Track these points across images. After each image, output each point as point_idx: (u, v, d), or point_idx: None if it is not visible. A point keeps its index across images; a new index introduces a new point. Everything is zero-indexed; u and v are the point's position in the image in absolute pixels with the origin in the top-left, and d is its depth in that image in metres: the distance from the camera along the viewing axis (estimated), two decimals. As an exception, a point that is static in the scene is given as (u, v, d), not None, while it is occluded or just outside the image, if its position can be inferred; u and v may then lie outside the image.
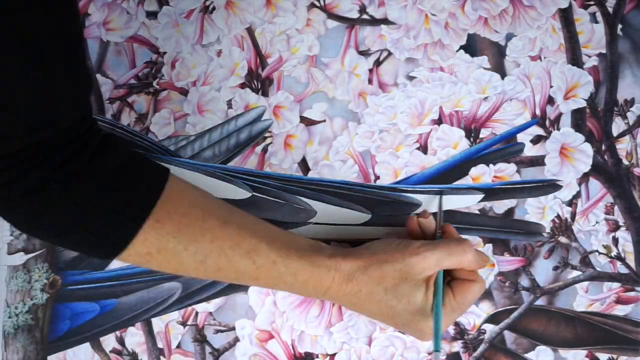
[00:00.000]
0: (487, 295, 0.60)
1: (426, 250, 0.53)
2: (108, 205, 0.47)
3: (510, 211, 0.61)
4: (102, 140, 0.47)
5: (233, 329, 0.60)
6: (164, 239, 0.48)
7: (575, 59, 0.64)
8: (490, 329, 0.60)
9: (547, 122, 0.63)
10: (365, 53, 0.64)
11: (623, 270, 0.61)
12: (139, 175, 0.49)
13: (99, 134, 0.47)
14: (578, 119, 0.63)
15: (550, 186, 0.62)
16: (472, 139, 0.63)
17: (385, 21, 0.64)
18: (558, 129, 0.63)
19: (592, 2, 0.64)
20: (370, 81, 0.64)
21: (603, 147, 0.63)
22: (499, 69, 0.63)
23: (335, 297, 0.53)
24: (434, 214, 0.58)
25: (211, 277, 0.55)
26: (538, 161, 0.62)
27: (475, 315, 0.60)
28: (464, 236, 0.60)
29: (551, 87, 0.63)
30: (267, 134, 0.63)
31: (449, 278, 0.55)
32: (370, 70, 0.64)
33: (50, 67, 0.43)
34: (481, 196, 0.61)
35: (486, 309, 0.60)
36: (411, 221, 0.57)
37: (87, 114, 0.47)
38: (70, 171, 0.45)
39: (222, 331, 0.60)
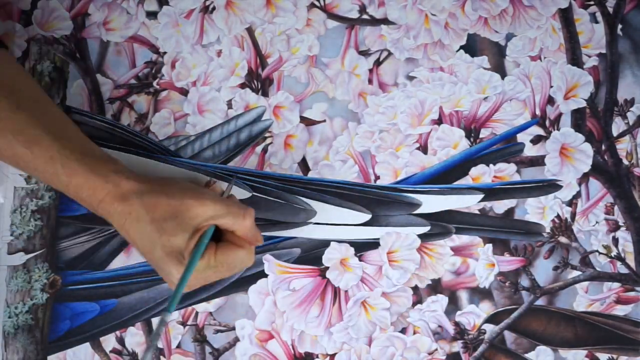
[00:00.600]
0: (487, 295, 0.61)
1: (208, 199, 0.51)
2: None
3: (510, 211, 0.62)
4: None
5: (233, 329, 0.60)
6: None
7: (575, 59, 0.64)
8: (490, 329, 0.60)
9: (547, 122, 0.63)
10: (365, 53, 0.64)
11: (623, 270, 0.61)
12: None
13: None
14: (578, 119, 0.63)
15: (550, 186, 0.62)
16: (472, 139, 0.63)
17: (385, 21, 0.64)
18: (558, 129, 0.63)
19: (592, 2, 0.64)
20: (370, 81, 0.64)
21: (603, 147, 0.63)
22: (499, 69, 0.64)
23: (106, 213, 0.52)
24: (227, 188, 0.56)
25: None
26: (538, 161, 0.62)
27: (475, 315, 0.60)
28: (465, 236, 0.61)
29: (551, 87, 0.63)
30: (267, 134, 0.63)
31: (219, 240, 0.53)
32: (370, 70, 0.64)
33: None
34: (481, 196, 0.61)
35: (486, 309, 0.60)
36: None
37: None
38: None
39: (222, 331, 0.60)
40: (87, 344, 0.60)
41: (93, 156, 0.52)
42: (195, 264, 0.50)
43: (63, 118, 0.54)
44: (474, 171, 0.62)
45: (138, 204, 0.50)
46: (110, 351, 0.60)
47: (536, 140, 0.63)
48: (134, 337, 0.60)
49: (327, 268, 0.60)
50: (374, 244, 0.61)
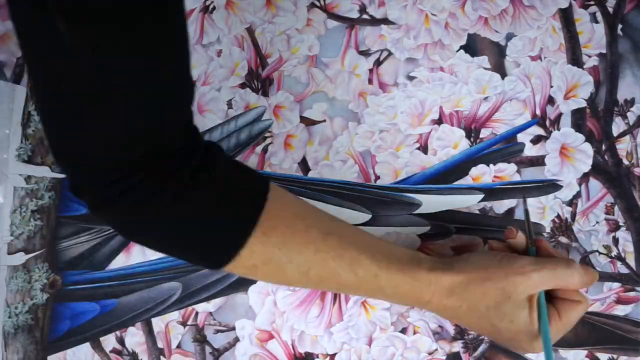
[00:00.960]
0: (487, 295, 0.60)
1: (532, 271, 0.51)
2: (214, 219, 0.46)
3: (510, 211, 0.61)
4: (206, 150, 0.46)
5: (233, 329, 0.60)
6: (270, 251, 0.48)
7: (575, 59, 0.64)
8: (490, 329, 0.60)
9: (547, 122, 0.63)
10: (365, 53, 0.64)
11: (623, 270, 0.61)
12: (243, 187, 0.48)
13: (202, 143, 0.46)
14: (578, 119, 0.63)
15: (550, 186, 0.62)
16: (472, 139, 0.63)
17: (386, 21, 0.64)
18: (558, 129, 0.63)
19: (592, 2, 0.64)
20: (370, 81, 0.64)
21: (603, 147, 0.63)
22: (499, 69, 0.63)
23: (435, 310, 0.53)
24: (522, 228, 0.55)
25: (313, 287, 0.55)
26: (538, 161, 0.62)
27: (475, 315, 0.60)
28: (465, 236, 0.60)
29: (551, 87, 0.63)
30: (267, 134, 0.63)
31: (551, 296, 0.53)
32: (371, 70, 0.64)
33: (165, 75, 0.42)
34: (481, 196, 0.61)
35: (486, 309, 0.60)
36: (497, 247, 0.55)
37: (191, 122, 0.46)
38: (178, 184, 0.44)
39: (222, 331, 0.60)
40: (87, 344, 0.60)
41: (405, 262, 0.51)
42: (548, 334, 0.51)
43: (359, 230, 0.53)
44: (474, 171, 0.62)
45: (467, 296, 0.51)
46: (110, 351, 0.60)
47: (536, 140, 0.63)
48: (134, 337, 0.60)
49: (327, 268, 0.60)
50: (374, 244, 0.61)
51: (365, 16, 0.64)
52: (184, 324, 0.60)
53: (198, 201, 0.45)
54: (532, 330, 0.51)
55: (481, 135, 0.63)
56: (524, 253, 0.54)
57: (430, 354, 0.59)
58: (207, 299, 0.60)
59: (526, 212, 0.56)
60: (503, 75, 0.63)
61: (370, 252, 0.51)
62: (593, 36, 0.64)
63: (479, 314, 0.51)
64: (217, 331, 0.60)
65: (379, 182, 0.62)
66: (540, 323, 0.51)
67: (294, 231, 0.49)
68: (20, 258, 0.60)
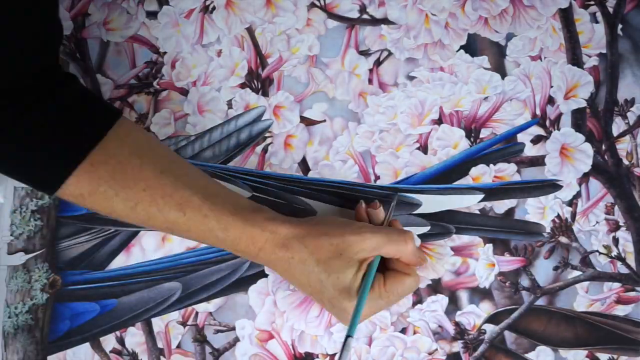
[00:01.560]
0: (488, 295, 0.61)
1: (367, 232, 0.53)
2: (49, 144, 0.49)
3: (510, 211, 0.62)
4: (64, 76, 0.50)
5: (233, 329, 0.60)
6: (95, 183, 0.50)
7: (575, 59, 0.64)
8: (490, 329, 0.60)
9: (548, 122, 0.63)
10: (365, 53, 0.64)
11: (623, 270, 0.61)
12: (85, 119, 0.51)
13: (61, 71, 0.50)
14: (578, 119, 0.63)
15: (550, 186, 0.62)
16: (472, 139, 0.63)
17: (386, 21, 0.64)
18: (558, 129, 0.63)
19: (592, 2, 0.64)
20: (370, 81, 0.64)
21: (603, 147, 0.63)
22: (499, 69, 0.64)
23: (266, 261, 0.53)
24: (385, 206, 0.57)
25: (142, 223, 0.54)
26: (538, 161, 0.62)
27: (475, 315, 0.60)
28: (465, 236, 0.61)
29: (551, 87, 0.63)
30: (267, 134, 0.63)
31: (385, 268, 0.55)
32: (371, 70, 0.64)
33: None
34: (481, 196, 0.61)
35: (486, 309, 0.60)
36: (360, 208, 0.57)
37: (54, 56, 0.50)
38: (28, 101, 0.48)
39: (222, 331, 0.60)
40: (87, 344, 0.60)
41: (244, 207, 0.52)
42: (366, 295, 0.52)
43: (201, 174, 0.54)
44: (474, 171, 0.62)
45: (301, 248, 0.52)
46: (110, 351, 0.60)
47: (536, 140, 0.63)
48: (134, 337, 0.60)
49: (327, 268, 0.61)
50: (374, 244, 0.61)
51: (365, 16, 0.65)
52: (184, 324, 0.60)
53: (38, 124, 0.49)
54: (353, 289, 0.52)
55: (481, 135, 0.63)
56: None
57: (430, 354, 0.60)
58: (207, 299, 0.60)
59: (394, 199, 0.58)
60: (503, 75, 0.63)
61: (204, 193, 0.51)
62: (593, 36, 0.64)
63: (309, 269, 0.52)
64: (217, 331, 0.60)
65: (379, 182, 0.62)
66: (362, 284, 0.52)
67: (126, 167, 0.51)
68: (20, 258, 0.60)
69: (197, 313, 0.60)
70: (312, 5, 0.64)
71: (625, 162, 0.62)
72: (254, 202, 0.55)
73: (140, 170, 0.51)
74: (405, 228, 0.60)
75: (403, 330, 0.60)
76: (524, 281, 0.61)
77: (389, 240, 0.53)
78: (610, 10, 0.64)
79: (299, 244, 0.52)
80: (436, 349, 0.60)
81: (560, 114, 0.63)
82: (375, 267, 0.53)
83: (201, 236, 0.53)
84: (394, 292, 0.54)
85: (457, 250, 0.61)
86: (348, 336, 0.51)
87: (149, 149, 0.53)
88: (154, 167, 0.51)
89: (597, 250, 0.61)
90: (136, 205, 0.51)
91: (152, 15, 0.64)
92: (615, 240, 0.61)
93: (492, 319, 0.60)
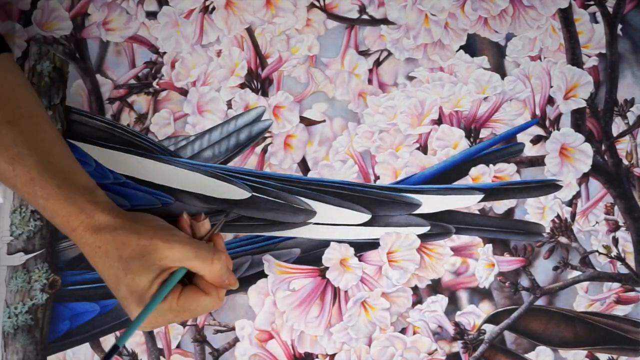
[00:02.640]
0: (487, 295, 0.61)
1: (177, 241, 0.51)
2: None
3: (510, 211, 0.62)
4: None
5: (233, 329, 0.60)
6: None
7: (575, 59, 0.64)
8: (490, 329, 0.60)
9: (547, 122, 0.63)
10: (365, 53, 0.64)
11: (623, 270, 0.61)
12: None
13: None
14: (578, 119, 0.63)
15: (550, 186, 0.62)
16: (472, 139, 0.63)
17: (385, 21, 0.64)
18: (558, 129, 0.63)
19: (592, 2, 0.64)
20: (370, 81, 0.64)
21: (603, 147, 0.63)
22: (499, 69, 0.64)
23: (77, 242, 0.52)
24: (212, 221, 0.56)
25: None
26: (538, 161, 0.62)
27: (475, 316, 0.60)
28: (465, 236, 0.60)
29: (551, 87, 0.63)
30: (266, 134, 0.63)
31: (189, 282, 0.54)
32: (370, 71, 0.64)
33: None
34: (481, 196, 0.61)
35: (486, 309, 0.61)
36: (181, 220, 0.56)
37: None
38: None
39: (221, 331, 0.60)
40: (87, 344, 0.60)
41: (73, 183, 0.52)
42: (155, 305, 0.51)
43: (54, 138, 0.53)
44: (474, 171, 0.62)
45: (108, 239, 0.51)
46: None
47: (536, 140, 0.63)
48: (134, 337, 0.60)
49: (327, 268, 0.60)
50: (373, 244, 0.61)
51: (364, 16, 0.65)
52: (183, 324, 0.60)
53: None
54: (145, 295, 0.51)
55: (481, 135, 0.63)
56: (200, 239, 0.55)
57: (430, 354, 0.60)
58: (207, 299, 0.60)
59: (224, 217, 0.58)
60: (503, 75, 0.63)
61: (42, 158, 0.51)
62: (593, 36, 0.64)
63: (110, 262, 0.51)
64: (217, 331, 0.60)
65: (378, 182, 0.62)
66: (157, 291, 0.51)
67: None
68: (20, 258, 0.60)
69: (196, 313, 0.60)
70: (312, 5, 0.65)
71: (625, 162, 0.63)
72: (93, 182, 0.53)
73: None
74: (407, 229, 0.61)
75: (403, 331, 0.60)
76: (524, 281, 0.61)
77: (197, 255, 0.51)
78: (610, 10, 0.64)
79: (108, 235, 0.51)
80: (436, 349, 0.60)
81: (560, 114, 0.63)
82: (176, 278, 0.52)
83: (26, 197, 0.52)
84: (187, 308, 0.53)
85: (456, 251, 0.61)
86: (115, 346, 0.51)
87: (9, 94, 0.52)
88: (3, 113, 0.50)
89: (597, 251, 0.61)
90: None
91: (151, 15, 0.64)
92: (615, 241, 0.61)
93: (492, 319, 0.60)
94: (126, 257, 0.51)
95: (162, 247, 0.51)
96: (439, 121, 0.63)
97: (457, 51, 0.64)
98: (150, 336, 0.60)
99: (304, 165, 0.63)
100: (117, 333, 0.60)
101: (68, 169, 0.53)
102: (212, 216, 0.58)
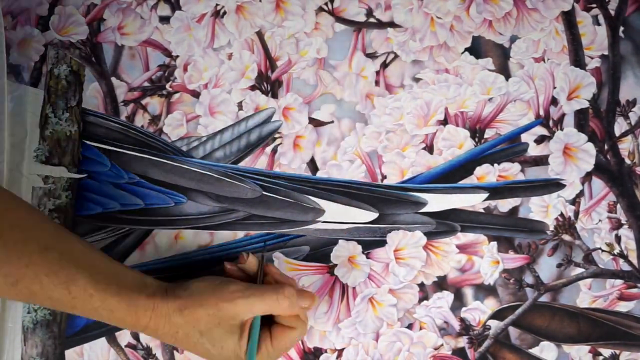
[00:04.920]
0: (492, 291, 0.61)
1: (239, 297, 0.52)
2: None
3: (514, 210, 0.62)
4: None
5: (244, 324, 0.61)
6: None
7: (578, 60, 0.63)
8: (495, 324, 0.60)
9: (551, 123, 0.63)
10: (372, 55, 0.64)
11: (626, 267, 0.61)
12: None
13: None
14: (581, 119, 0.63)
15: (553, 185, 0.62)
16: (477, 139, 0.63)
17: (392, 24, 0.64)
18: (561, 129, 0.63)
19: (594, 5, 0.64)
20: (377, 83, 0.64)
21: (606, 147, 0.63)
22: (504, 70, 0.63)
23: (154, 334, 0.53)
24: (259, 256, 0.57)
25: (25, 300, 0.54)
26: (542, 161, 0.62)
27: (480, 312, 0.61)
28: (470, 234, 0.61)
29: (554, 88, 0.63)
30: (276, 135, 0.63)
31: (272, 322, 0.54)
32: (377, 73, 0.64)
33: None
34: (486, 195, 0.62)
35: (491, 305, 0.61)
36: (227, 269, 0.56)
37: None
38: None
39: (233, 327, 0.61)
40: (103, 339, 0.61)
41: (128, 286, 0.51)
42: (253, 357, 0.52)
43: (86, 248, 0.53)
44: (479, 170, 0.62)
45: (182, 322, 0.51)
46: (126, 345, 0.61)
47: (540, 140, 0.63)
48: (148, 332, 0.61)
49: (336, 265, 0.61)
50: (381, 242, 0.61)
51: (372, 19, 0.65)
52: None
53: None
54: (240, 356, 0.52)
55: (486, 136, 0.63)
56: (255, 276, 0.56)
57: (436, 349, 0.60)
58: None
59: (263, 254, 0.58)
60: (507, 76, 0.63)
61: (90, 271, 0.50)
62: (595, 38, 0.64)
63: (194, 340, 0.52)
64: (229, 327, 0.61)
65: (385, 182, 0.63)
66: (248, 347, 0.52)
67: (7, 241, 0.48)
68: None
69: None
70: (320, 9, 0.64)
71: (627, 161, 0.62)
72: (140, 275, 0.53)
73: (23, 245, 0.48)
74: (413, 227, 0.61)
75: (409, 326, 0.61)
76: (528, 278, 0.61)
77: (262, 300, 0.52)
78: (612, 12, 0.64)
79: (180, 320, 0.51)
80: (442, 345, 0.60)
81: (564, 115, 0.63)
82: (256, 328, 0.53)
83: (86, 313, 0.51)
84: (282, 348, 0.54)
85: (462, 248, 0.61)
86: None
87: (31, 223, 0.50)
88: (38, 242, 0.49)
89: (600, 248, 0.61)
90: (17, 282, 0.48)
91: (164, 20, 0.64)
92: (618, 238, 0.61)
93: (497, 315, 0.61)
94: (205, 330, 0.52)
95: (229, 307, 0.52)
96: (444, 122, 0.63)
97: (462, 53, 0.64)
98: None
99: (312, 165, 0.63)
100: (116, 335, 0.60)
101: (116, 274, 0.52)
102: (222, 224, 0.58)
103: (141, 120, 0.64)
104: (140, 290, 0.52)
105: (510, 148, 0.63)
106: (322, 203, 0.61)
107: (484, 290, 0.61)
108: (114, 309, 0.51)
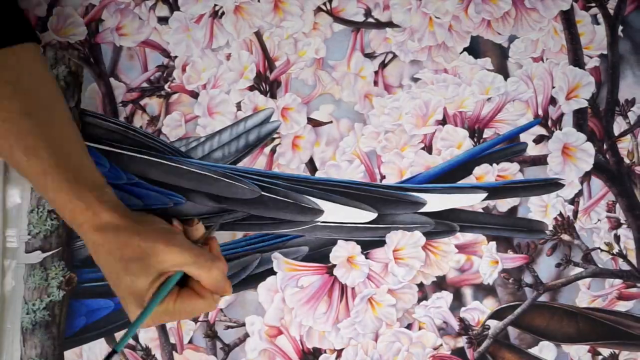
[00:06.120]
0: (491, 291, 0.61)
1: (176, 246, 0.52)
2: None
3: (513, 209, 0.62)
4: None
5: (243, 325, 0.61)
6: None
7: (576, 60, 0.64)
8: (494, 324, 0.61)
9: (550, 122, 0.63)
10: (370, 55, 0.64)
11: (624, 267, 0.61)
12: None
13: None
14: (580, 119, 0.63)
15: (552, 185, 0.62)
16: (475, 139, 0.63)
17: (390, 24, 0.64)
18: (560, 129, 0.63)
19: (593, 4, 0.64)
20: (375, 83, 0.64)
21: (604, 146, 0.63)
22: (502, 70, 0.64)
23: (82, 237, 0.53)
24: (207, 226, 0.57)
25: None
26: (540, 160, 0.63)
27: (479, 312, 0.61)
28: (469, 234, 0.61)
29: (553, 87, 0.63)
30: (275, 135, 0.63)
31: (184, 284, 0.54)
32: (376, 72, 0.64)
33: None
34: (485, 195, 0.62)
35: (490, 305, 0.61)
36: (174, 227, 0.56)
37: None
38: None
39: (232, 327, 0.61)
40: (102, 340, 0.61)
41: (84, 180, 0.52)
42: (152, 308, 0.51)
43: (70, 133, 0.53)
44: (478, 170, 0.62)
45: (111, 239, 0.51)
46: (125, 346, 0.61)
47: (539, 139, 0.63)
48: (147, 332, 0.61)
49: (335, 265, 0.61)
50: (380, 242, 0.61)
51: (370, 19, 0.65)
52: (195, 320, 0.61)
53: None
54: (143, 298, 0.51)
55: (484, 135, 0.63)
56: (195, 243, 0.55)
57: (435, 349, 0.60)
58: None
59: (217, 223, 0.58)
60: (506, 76, 0.63)
61: (56, 152, 0.51)
62: (594, 37, 0.64)
63: (112, 261, 0.51)
64: (228, 327, 0.61)
65: (384, 182, 0.63)
66: (154, 295, 0.51)
67: None
68: (38, 256, 0.60)
69: (208, 309, 0.61)
70: (319, 9, 0.64)
71: (626, 160, 0.63)
72: (103, 180, 0.53)
73: (9, 101, 0.50)
74: (412, 227, 0.61)
75: (409, 326, 0.61)
76: (527, 278, 0.61)
77: (195, 261, 0.52)
78: (611, 12, 0.64)
79: (112, 235, 0.51)
80: (441, 344, 0.60)
81: (562, 114, 0.63)
82: (172, 282, 0.52)
83: (37, 188, 0.52)
84: (182, 311, 0.53)
85: (461, 248, 0.62)
86: (114, 351, 0.51)
87: (30, 85, 0.51)
88: (23, 105, 0.50)
89: (599, 248, 0.62)
90: None
91: (163, 20, 0.64)
92: (617, 238, 0.62)
93: (496, 315, 0.61)
94: (127, 258, 0.51)
95: (162, 250, 0.51)
96: (443, 122, 0.63)
97: (460, 53, 0.64)
98: (163, 331, 0.61)
99: (311, 165, 0.63)
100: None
101: (80, 165, 0.53)
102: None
103: (140, 120, 0.64)
104: (93, 190, 0.52)
105: (509, 148, 0.63)
106: (321, 203, 0.61)
107: (483, 290, 0.61)
108: (59, 194, 0.51)
